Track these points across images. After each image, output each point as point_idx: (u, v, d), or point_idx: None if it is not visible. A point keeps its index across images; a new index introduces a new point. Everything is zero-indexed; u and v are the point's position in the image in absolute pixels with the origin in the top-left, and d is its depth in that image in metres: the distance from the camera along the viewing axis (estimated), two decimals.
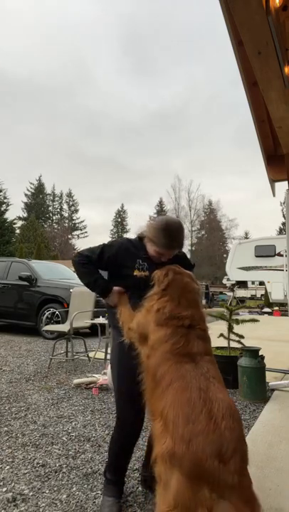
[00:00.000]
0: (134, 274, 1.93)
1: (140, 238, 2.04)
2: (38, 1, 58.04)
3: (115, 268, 2.00)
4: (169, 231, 1.88)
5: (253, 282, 21.23)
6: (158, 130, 66.55)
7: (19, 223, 42.52)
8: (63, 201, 57.81)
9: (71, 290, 6.55)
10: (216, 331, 3.78)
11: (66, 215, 57.56)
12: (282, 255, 14.51)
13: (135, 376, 1.75)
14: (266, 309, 15.25)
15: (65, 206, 57.77)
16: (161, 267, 1.89)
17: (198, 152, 66.39)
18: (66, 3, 59.71)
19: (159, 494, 1.32)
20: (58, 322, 7.46)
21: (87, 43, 62.86)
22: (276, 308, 15.34)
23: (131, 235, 54.68)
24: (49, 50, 63.21)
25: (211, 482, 1.19)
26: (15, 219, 34.26)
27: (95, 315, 5.80)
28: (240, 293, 22.14)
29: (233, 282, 16.68)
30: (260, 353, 3.93)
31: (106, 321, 5.17)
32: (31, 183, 55.59)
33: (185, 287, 1.77)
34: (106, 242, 2.09)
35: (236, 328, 4.35)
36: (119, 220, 58.92)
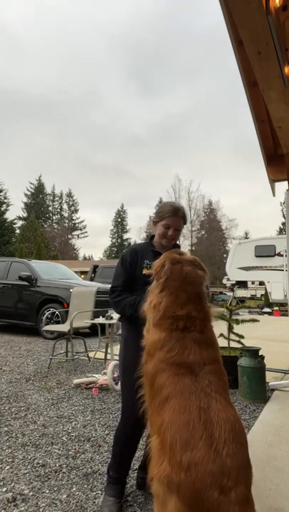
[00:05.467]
0: (143, 273, 2.01)
1: (151, 237, 2.17)
2: (54, 28, 64.03)
3: (132, 273, 2.07)
4: (171, 202, 2.18)
5: (253, 282, 21.22)
6: (161, 142, 71.88)
7: (19, 223, 42.56)
8: (63, 201, 57.82)
9: (71, 290, 6.54)
10: (216, 331, 3.77)
11: (66, 215, 57.57)
12: (282, 255, 14.50)
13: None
14: (266, 309, 15.24)
15: (65, 206, 57.79)
16: None
17: (198, 160, 70.52)
18: (80, 30, 65.66)
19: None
20: (58, 322, 7.46)
21: (97, 66, 69.18)
22: (276, 308, 15.34)
23: (131, 235, 54.63)
24: (63, 71, 69.17)
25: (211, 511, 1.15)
26: (15, 219, 34.28)
27: (95, 315, 5.79)
28: (240, 293, 22.14)
29: (233, 282, 16.68)
30: (260, 353, 3.93)
31: (106, 321, 5.17)
32: (31, 183, 55.60)
33: (185, 278, 1.58)
34: (122, 253, 2.21)
35: (236, 328, 4.35)
36: (119, 220, 58.91)
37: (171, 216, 2.04)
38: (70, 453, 2.58)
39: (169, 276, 1.58)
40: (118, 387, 3.76)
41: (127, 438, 1.97)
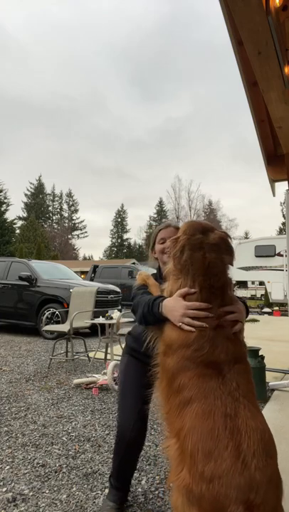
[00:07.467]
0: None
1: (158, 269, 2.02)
2: (57, 34, 66.86)
3: None
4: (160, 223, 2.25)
5: (253, 282, 21.26)
6: (162, 144, 73.81)
7: (19, 223, 42.61)
8: (63, 201, 57.87)
9: (71, 290, 6.55)
10: None
11: (66, 215, 57.62)
12: (282, 255, 14.53)
13: (138, 390, 1.77)
14: (266, 309, 15.24)
15: (65, 206, 57.84)
16: None
17: (198, 163, 72.39)
18: (83, 37, 68.13)
19: None
20: (58, 322, 7.46)
21: (100, 71, 71.52)
22: (276, 308, 15.34)
23: (130, 235, 54.70)
24: (67, 77, 71.91)
25: None
26: (15, 219, 34.32)
27: (95, 315, 5.80)
28: (240, 293, 22.14)
29: (233, 282, 16.65)
30: (260, 353, 3.93)
31: (106, 321, 5.17)
32: (31, 183, 55.62)
33: (208, 270, 1.36)
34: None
35: None
36: (119, 220, 58.93)
37: (162, 229, 2.00)
38: (70, 453, 2.58)
39: (189, 267, 1.37)
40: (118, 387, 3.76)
41: (124, 453, 1.88)
